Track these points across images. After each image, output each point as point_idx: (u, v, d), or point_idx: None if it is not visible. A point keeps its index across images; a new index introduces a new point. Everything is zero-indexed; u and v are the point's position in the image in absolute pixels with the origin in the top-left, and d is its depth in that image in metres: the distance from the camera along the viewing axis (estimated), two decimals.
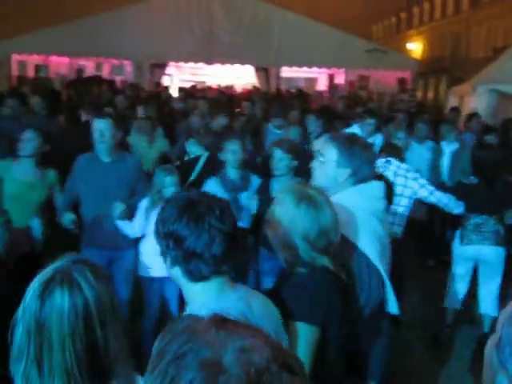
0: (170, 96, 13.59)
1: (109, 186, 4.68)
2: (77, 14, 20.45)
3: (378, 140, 7.33)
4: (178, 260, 1.96)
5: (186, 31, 18.42)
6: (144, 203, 4.71)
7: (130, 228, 4.73)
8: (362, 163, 2.96)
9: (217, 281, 1.99)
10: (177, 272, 2.00)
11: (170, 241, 1.95)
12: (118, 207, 4.53)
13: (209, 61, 19.06)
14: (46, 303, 1.73)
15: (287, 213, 2.40)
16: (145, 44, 17.47)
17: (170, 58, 18.77)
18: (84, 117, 7.45)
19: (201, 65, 19.68)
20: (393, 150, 5.55)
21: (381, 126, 8.01)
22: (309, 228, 2.37)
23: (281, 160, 4.87)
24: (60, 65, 19.70)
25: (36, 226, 4.80)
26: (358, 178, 2.97)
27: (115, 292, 1.86)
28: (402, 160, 5.46)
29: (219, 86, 18.23)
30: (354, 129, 7.53)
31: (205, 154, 6.03)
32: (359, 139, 3.11)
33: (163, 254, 2.01)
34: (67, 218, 4.64)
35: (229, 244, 1.96)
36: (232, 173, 5.17)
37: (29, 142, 4.89)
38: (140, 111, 7.74)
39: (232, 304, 1.95)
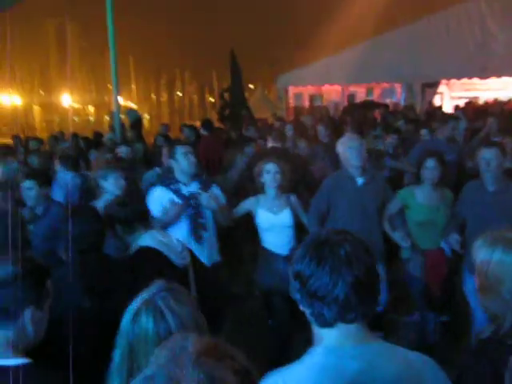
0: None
1: (491, 216, 4.66)
2: (344, 44, 21.15)
3: None
4: (303, 302, 1.86)
5: (457, 46, 17.74)
6: None
7: None
8: None
9: (340, 329, 1.83)
10: (307, 314, 1.88)
11: (297, 281, 1.86)
12: None
13: (483, 75, 18.04)
14: (135, 329, 1.98)
15: None
16: (415, 65, 17.20)
17: (442, 75, 18.22)
18: None
19: (474, 80, 18.75)
20: None
21: None
22: None
23: None
24: (332, 92, 20.52)
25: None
26: None
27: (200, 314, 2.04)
28: None
29: (496, 100, 17.10)
30: None
31: None
32: None
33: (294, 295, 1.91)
34: (454, 239, 4.84)
35: (357, 289, 1.78)
36: None
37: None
38: (425, 134, 7.58)
39: (341, 361, 1.78)
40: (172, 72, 44.49)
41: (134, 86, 40.61)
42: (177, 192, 4.95)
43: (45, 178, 5.41)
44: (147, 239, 3.68)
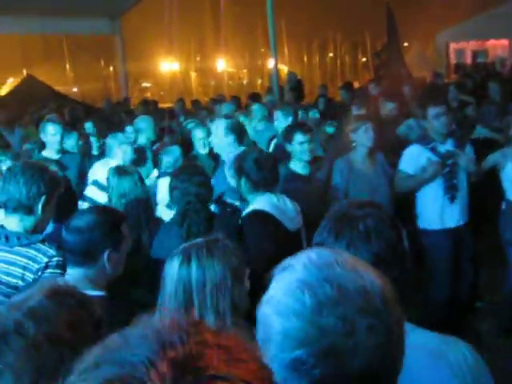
0: None
1: None
2: None
3: None
4: None
5: None
6: None
7: None
8: None
9: None
10: None
11: None
12: None
13: None
14: (167, 267, 2.31)
15: None
16: None
17: None
18: None
19: None
20: None
21: None
22: None
23: None
24: (498, 48, 19.12)
25: None
26: None
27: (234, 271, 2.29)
28: None
29: None
30: None
31: None
32: None
33: None
34: None
35: (376, 267, 1.55)
36: None
37: None
38: None
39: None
40: (324, 34, 44.03)
41: (286, 50, 40.85)
42: (433, 150, 4.96)
43: None
44: (262, 202, 3.74)
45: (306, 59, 46.94)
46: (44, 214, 3.12)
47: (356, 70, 43.72)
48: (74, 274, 2.64)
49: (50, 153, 5.84)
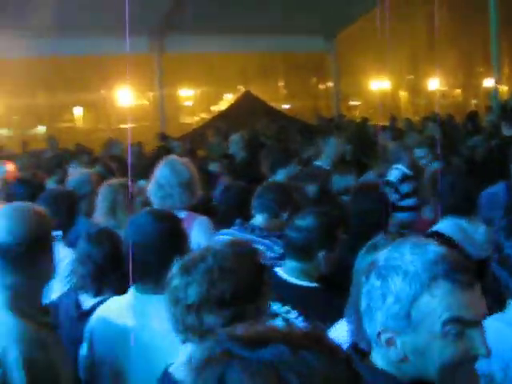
0: None
1: None
2: None
3: None
4: (497, 269, 1.99)
5: None
6: None
7: None
8: None
9: None
10: None
11: (495, 251, 1.99)
12: None
13: None
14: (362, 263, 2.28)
15: None
16: None
17: None
18: None
19: None
20: None
21: None
22: None
23: None
24: None
25: None
26: None
27: None
28: None
29: None
30: None
31: None
32: None
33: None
34: None
35: None
36: None
37: None
38: None
39: None
40: None
41: (506, 69, 38.37)
42: None
43: None
44: (446, 224, 3.62)
45: None
46: (287, 220, 3.63)
47: None
48: (289, 266, 3.03)
49: (324, 163, 6.43)
